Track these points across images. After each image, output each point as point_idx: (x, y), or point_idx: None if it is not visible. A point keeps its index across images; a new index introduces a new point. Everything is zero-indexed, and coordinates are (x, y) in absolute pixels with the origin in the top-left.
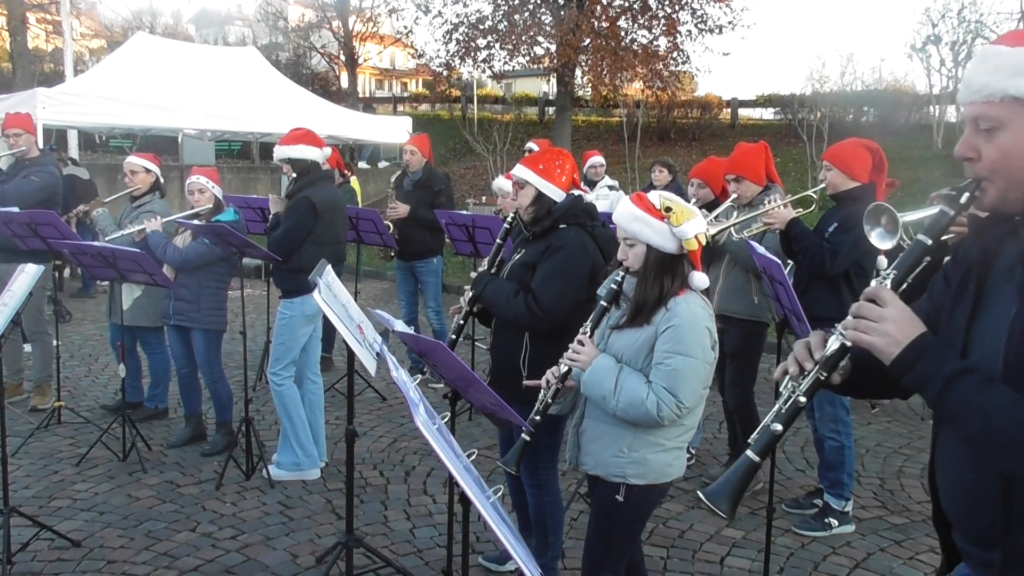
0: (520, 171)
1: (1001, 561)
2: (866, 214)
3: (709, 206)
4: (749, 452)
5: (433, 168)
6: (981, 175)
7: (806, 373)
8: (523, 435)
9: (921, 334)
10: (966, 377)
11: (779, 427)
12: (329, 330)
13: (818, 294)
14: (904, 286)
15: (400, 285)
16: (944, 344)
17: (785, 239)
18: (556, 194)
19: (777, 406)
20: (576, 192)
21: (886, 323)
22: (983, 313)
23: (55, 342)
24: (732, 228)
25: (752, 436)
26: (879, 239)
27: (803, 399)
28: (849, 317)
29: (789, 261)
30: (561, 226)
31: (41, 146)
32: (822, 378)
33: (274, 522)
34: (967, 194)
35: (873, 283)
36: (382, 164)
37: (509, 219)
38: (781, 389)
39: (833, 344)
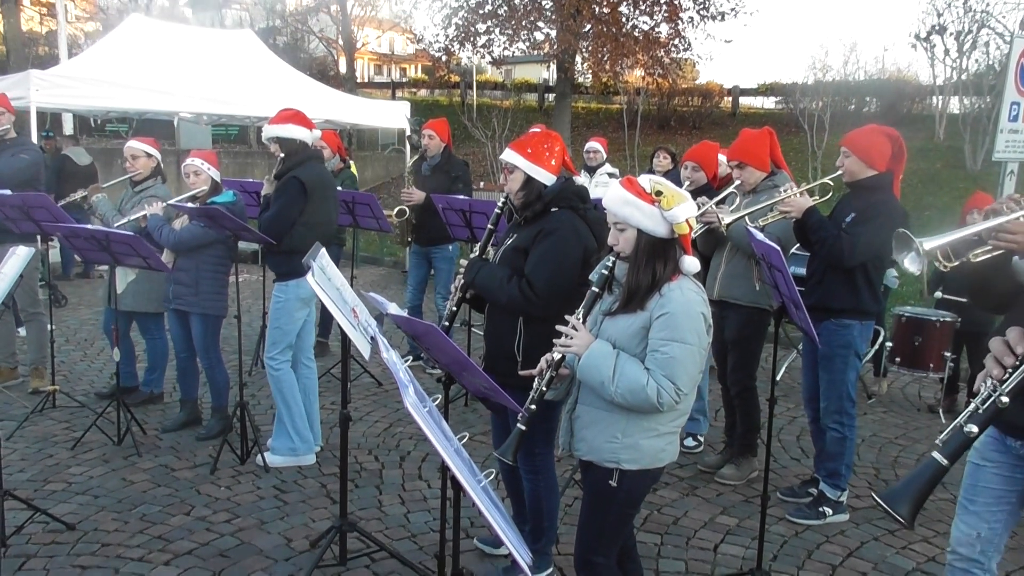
0: (509, 155)
1: None
2: (895, 244)
3: (701, 190)
4: (936, 455)
5: (452, 153)
6: None
7: (1008, 370)
8: (519, 425)
9: None
10: None
11: (974, 429)
12: (326, 314)
13: (834, 285)
14: None
15: (412, 270)
16: None
17: (801, 228)
18: (546, 178)
19: (973, 406)
20: (567, 175)
21: None
22: None
23: (50, 326)
24: (747, 216)
25: (941, 437)
26: (912, 263)
27: (1005, 399)
28: None
29: (792, 251)
30: (552, 209)
31: (35, 131)
32: None
33: (268, 506)
34: None
35: None
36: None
37: (500, 203)
38: (976, 389)
39: None
